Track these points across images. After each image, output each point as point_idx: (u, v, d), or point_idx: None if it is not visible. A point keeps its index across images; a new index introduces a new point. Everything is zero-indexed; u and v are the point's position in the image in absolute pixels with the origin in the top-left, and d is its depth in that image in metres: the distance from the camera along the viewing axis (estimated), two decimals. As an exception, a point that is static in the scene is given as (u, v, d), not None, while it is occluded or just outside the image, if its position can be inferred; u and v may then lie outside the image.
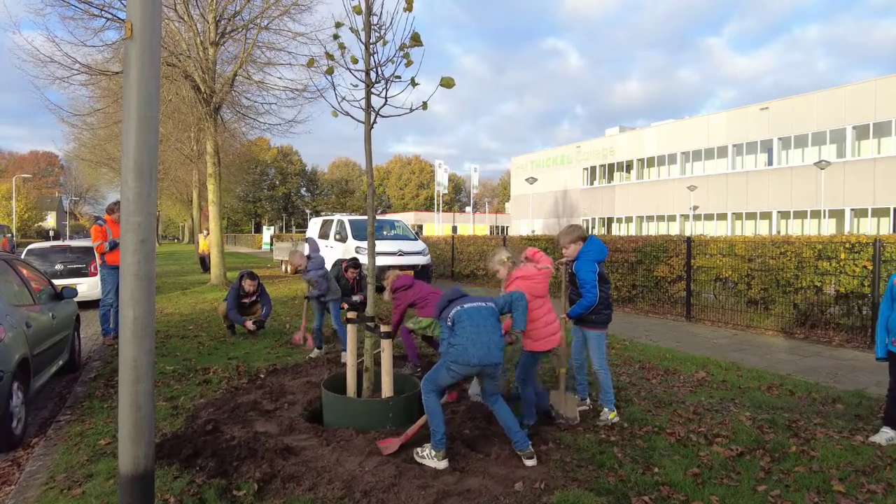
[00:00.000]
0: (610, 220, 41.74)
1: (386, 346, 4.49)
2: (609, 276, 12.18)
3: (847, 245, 8.23)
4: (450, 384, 3.86)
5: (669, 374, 6.26)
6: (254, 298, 8.55)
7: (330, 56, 4.36)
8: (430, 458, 3.68)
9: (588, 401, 4.95)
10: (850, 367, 6.74)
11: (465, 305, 3.84)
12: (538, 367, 4.44)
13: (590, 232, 40.11)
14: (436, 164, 51.47)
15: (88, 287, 11.41)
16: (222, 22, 15.32)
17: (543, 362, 5.64)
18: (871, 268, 7.88)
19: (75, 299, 6.91)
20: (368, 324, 4.66)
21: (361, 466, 3.63)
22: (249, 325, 8.25)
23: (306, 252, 7.31)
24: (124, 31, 2.62)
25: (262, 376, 5.95)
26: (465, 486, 3.38)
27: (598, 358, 4.63)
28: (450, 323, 3.80)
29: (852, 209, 27.81)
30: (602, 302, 4.58)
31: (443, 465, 3.64)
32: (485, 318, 3.79)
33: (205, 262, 21.47)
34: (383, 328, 4.57)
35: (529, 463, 3.68)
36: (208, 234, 20.29)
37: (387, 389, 4.48)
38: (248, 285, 8.38)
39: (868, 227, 26.95)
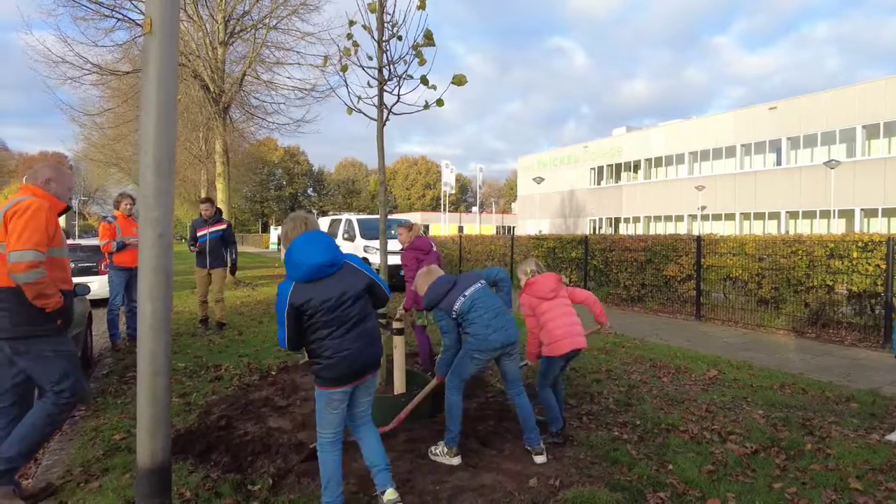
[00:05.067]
0: (617, 220, 41.60)
1: (398, 343, 4.50)
2: (618, 274, 12.23)
3: (860, 244, 8.16)
4: (474, 373, 3.89)
5: (681, 372, 6.23)
6: (215, 230, 8.33)
7: (347, 52, 4.38)
8: (442, 454, 3.69)
9: None
10: (864, 367, 6.68)
11: (467, 292, 3.79)
12: (558, 371, 4.22)
13: (597, 232, 40.05)
14: (442, 165, 51.46)
15: (99, 285, 11.46)
16: (231, 22, 15.41)
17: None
18: (884, 267, 7.81)
19: (87, 297, 6.92)
20: (380, 321, 4.67)
21: (375, 462, 3.63)
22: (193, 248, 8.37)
23: None
24: (143, 27, 2.64)
25: (274, 373, 5.97)
26: (479, 482, 3.38)
27: None
28: (456, 315, 3.75)
29: (862, 209, 27.60)
30: None
31: (455, 461, 3.65)
32: (491, 299, 3.83)
33: None
34: (395, 325, 4.57)
35: (539, 460, 3.68)
36: None
37: (399, 385, 4.49)
38: (203, 210, 8.35)
39: (878, 227, 26.72)
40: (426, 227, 42.85)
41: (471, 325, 3.71)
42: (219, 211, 8.63)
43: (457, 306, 3.74)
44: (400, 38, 4.33)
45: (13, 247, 3.03)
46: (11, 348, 3.15)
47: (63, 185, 3.42)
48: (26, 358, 3.18)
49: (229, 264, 8.66)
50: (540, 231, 37.82)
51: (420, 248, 6.10)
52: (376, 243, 13.37)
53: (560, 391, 4.43)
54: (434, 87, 4.33)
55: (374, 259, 12.93)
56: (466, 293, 3.78)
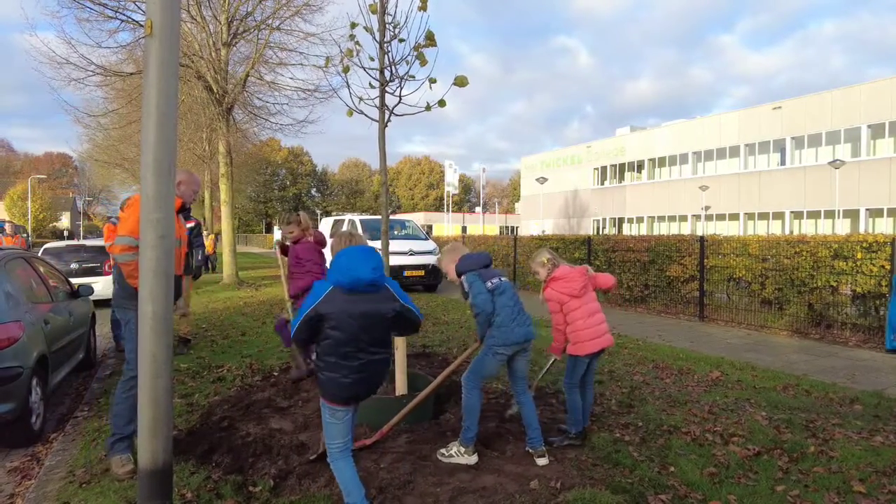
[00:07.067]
0: (621, 220, 41.54)
1: (399, 344, 4.50)
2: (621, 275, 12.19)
3: (864, 244, 8.13)
4: (494, 373, 3.88)
5: (683, 373, 6.21)
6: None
7: (350, 53, 4.38)
8: (458, 455, 3.67)
9: None
10: (868, 368, 6.65)
11: (503, 278, 3.80)
12: (584, 369, 4.13)
13: (600, 232, 39.98)
14: (446, 165, 51.52)
15: (103, 286, 11.50)
16: (234, 23, 15.43)
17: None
18: (888, 267, 7.78)
19: (91, 297, 6.96)
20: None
21: (376, 463, 3.63)
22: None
23: None
24: (144, 29, 2.64)
25: (276, 374, 5.98)
26: (480, 484, 3.37)
27: None
28: (490, 286, 3.69)
29: (867, 209, 27.49)
30: None
31: (473, 459, 3.65)
32: (515, 294, 3.85)
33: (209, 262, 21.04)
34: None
35: (541, 462, 3.67)
36: (209, 233, 20.32)
37: (400, 387, 4.49)
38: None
39: (884, 227, 26.61)
40: (429, 228, 42.88)
41: (497, 313, 3.67)
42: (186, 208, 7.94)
43: (494, 282, 3.72)
44: (402, 40, 4.33)
45: (118, 232, 3.72)
46: (116, 313, 3.88)
47: (191, 188, 4.16)
48: (124, 324, 3.81)
49: (193, 268, 7.71)
50: (543, 231, 37.80)
51: (321, 242, 5.63)
52: (378, 244, 13.37)
53: (590, 393, 4.29)
54: (435, 81, 4.32)
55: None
56: (502, 278, 3.80)
